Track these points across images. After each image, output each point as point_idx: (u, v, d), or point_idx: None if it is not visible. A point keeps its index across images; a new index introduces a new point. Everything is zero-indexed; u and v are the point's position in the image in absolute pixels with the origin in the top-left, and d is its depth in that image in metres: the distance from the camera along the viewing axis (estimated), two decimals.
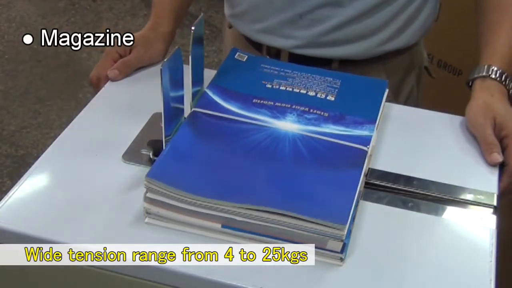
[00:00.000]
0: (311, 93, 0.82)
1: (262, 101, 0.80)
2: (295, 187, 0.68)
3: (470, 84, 0.88)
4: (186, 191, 0.66)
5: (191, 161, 0.71)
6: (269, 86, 0.83)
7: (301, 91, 0.82)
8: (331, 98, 0.81)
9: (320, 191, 0.68)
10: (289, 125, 0.77)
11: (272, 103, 0.80)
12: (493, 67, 0.86)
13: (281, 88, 0.83)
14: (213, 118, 0.77)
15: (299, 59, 0.96)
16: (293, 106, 0.79)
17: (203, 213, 0.67)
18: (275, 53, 0.99)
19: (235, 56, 0.88)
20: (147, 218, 0.69)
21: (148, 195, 0.68)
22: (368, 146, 0.74)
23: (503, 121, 0.82)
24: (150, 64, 0.94)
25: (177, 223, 0.68)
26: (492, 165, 0.79)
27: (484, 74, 0.86)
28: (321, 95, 0.82)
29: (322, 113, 0.79)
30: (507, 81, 0.86)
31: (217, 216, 0.66)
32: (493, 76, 0.86)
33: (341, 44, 0.95)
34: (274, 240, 0.66)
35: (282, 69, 0.86)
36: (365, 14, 0.93)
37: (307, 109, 0.79)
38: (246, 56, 0.88)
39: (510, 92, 0.87)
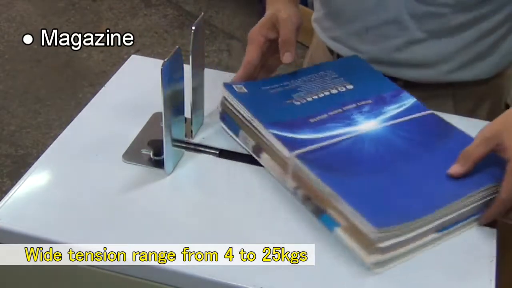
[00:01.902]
0: (334, 91, 0.83)
1: (317, 118, 0.78)
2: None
3: None
4: (410, 220, 0.65)
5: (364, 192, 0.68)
6: (298, 103, 0.80)
7: (325, 93, 0.82)
8: (350, 87, 0.84)
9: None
10: (368, 125, 0.77)
11: (325, 115, 0.78)
12: None
13: (308, 99, 0.81)
14: (316, 152, 0.73)
15: None
16: (344, 108, 0.80)
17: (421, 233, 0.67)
18: None
19: (237, 91, 0.81)
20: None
21: (383, 244, 0.63)
22: (428, 110, 0.82)
23: (510, 144, 0.69)
24: (299, 26, 0.87)
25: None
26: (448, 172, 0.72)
27: None
28: (342, 89, 0.83)
29: (367, 102, 0.81)
30: None
31: (432, 228, 0.67)
32: None
33: (405, 66, 0.92)
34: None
35: (283, 84, 0.84)
36: (432, 38, 0.89)
37: (354, 105, 0.80)
38: (242, 87, 0.82)
39: None
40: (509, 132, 0.68)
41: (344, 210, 0.66)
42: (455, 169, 0.71)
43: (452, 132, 0.79)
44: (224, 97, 0.81)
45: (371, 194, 0.67)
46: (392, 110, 0.81)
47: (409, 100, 0.83)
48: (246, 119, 0.78)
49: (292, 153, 0.71)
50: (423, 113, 0.81)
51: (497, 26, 0.90)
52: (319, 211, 0.69)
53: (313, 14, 1.05)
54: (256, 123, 0.76)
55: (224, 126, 0.82)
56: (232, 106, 0.80)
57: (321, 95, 0.82)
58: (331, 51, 1.01)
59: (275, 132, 0.74)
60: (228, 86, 0.81)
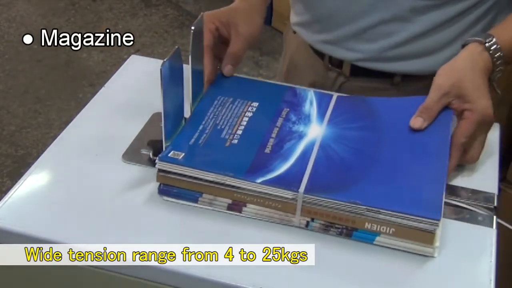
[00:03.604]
0: (249, 114, 0.79)
1: (269, 146, 0.74)
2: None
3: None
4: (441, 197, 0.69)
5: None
6: (236, 141, 0.75)
7: (245, 119, 0.78)
8: (255, 104, 0.80)
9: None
10: (315, 130, 0.77)
11: (272, 139, 0.75)
12: (492, 38, 0.78)
13: (239, 133, 0.76)
14: (313, 178, 0.70)
15: (360, 71, 0.94)
16: (277, 124, 0.77)
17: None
18: (337, 63, 0.97)
19: (178, 158, 0.71)
20: None
21: (439, 230, 0.67)
22: (331, 93, 0.84)
23: (469, 94, 0.75)
24: (252, 43, 0.86)
25: None
26: (411, 126, 0.77)
27: (479, 39, 0.79)
28: (252, 109, 0.80)
29: (285, 111, 0.80)
30: (497, 55, 0.78)
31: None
32: (487, 45, 0.78)
33: (405, 59, 0.92)
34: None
35: (200, 129, 0.76)
36: (432, 30, 0.89)
37: (281, 118, 0.78)
38: (178, 152, 0.72)
39: (496, 69, 0.79)
40: (467, 85, 0.75)
41: (389, 218, 0.66)
42: (418, 122, 0.76)
43: (375, 102, 0.82)
44: (163, 171, 0.71)
45: (396, 192, 0.68)
46: (310, 108, 0.81)
47: (308, 93, 0.83)
48: (213, 181, 0.70)
49: (296, 192, 0.68)
50: (333, 99, 0.82)
51: (491, 7, 0.90)
52: (348, 232, 0.68)
53: (293, 18, 1.01)
54: (232, 180, 0.69)
55: (171, 199, 0.72)
56: (182, 175, 0.71)
57: (244, 122, 0.77)
58: (320, 54, 0.99)
59: (262, 179, 0.69)
60: (165, 157, 0.71)
